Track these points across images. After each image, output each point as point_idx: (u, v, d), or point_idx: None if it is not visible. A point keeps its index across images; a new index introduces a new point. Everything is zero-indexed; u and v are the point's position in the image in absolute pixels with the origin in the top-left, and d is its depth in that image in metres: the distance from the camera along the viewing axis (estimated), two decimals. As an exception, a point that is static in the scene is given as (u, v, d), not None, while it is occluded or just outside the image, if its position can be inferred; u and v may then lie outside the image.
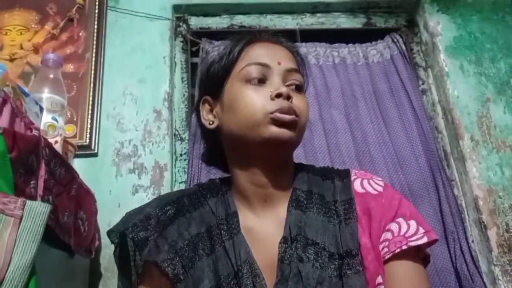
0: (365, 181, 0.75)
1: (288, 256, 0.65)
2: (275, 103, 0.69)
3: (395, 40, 1.78)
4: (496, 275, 1.38)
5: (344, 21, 1.88)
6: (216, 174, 1.42)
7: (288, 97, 0.70)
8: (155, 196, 1.39)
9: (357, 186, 0.74)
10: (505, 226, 1.44)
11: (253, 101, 0.70)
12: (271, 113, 0.68)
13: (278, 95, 0.70)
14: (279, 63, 0.74)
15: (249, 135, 0.70)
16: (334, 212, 0.70)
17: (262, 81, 0.72)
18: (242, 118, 0.70)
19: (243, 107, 0.70)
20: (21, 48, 1.63)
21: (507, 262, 1.39)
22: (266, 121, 0.68)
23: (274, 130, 0.68)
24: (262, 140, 0.69)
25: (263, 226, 0.71)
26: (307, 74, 0.82)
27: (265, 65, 0.73)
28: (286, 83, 0.73)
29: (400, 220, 0.69)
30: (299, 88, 0.75)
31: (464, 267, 1.34)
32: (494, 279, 1.38)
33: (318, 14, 1.88)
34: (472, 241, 1.46)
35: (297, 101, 0.72)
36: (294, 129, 0.70)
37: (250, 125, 0.69)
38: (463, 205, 1.54)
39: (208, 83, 0.80)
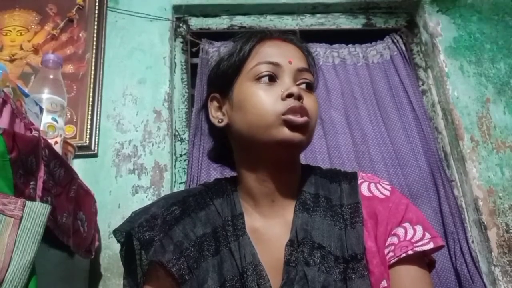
0: (372, 185, 0.75)
1: (294, 259, 0.65)
2: (285, 103, 0.68)
3: (395, 40, 1.78)
4: (496, 276, 1.38)
5: (344, 22, 1.88)
6: (216, 174, 1.43)
7: (299, 97, 0.69)
8: (155, 197, 1.40)
9: (364, 189, 0.74)
10: (505, 227, 1.44)
11: (263, 102, 0.69)
12: (283, 114, 0.67)
13: (289, 95, 0.69)
14: (290, 62, 0.72)
15: (260, 136, 0.69)
16: (340, 215, 0.70)
17: (272, 80, 0.71)
18: (252, 119, 0.69)
19: (253, 108, 0.69)
20: (21, 48, 1.63)
21: (507, 262, 1.39)
22: (278, 123, 0.67)
23: (287, 133, 0.67)
24: (274, 142, 0.68)
25: (269, 227, 0.71)
26: (317, 73, 0.81)
27: (276, 64, 0.72)
28: (297, 82, 0.73)
29: (406, 225, 0.69)
30: (310, 87, 0.74)
31: (464, 267, 1.34)
32: (494, 279, 1.37)
33: (318, 15, 1.88)
34: (472, 242, 1.46)
35: (308, 101, 0.71)
36: (306, 132, 0.69)
37: (261, 127, 0.69)
38: (463, 205, 1.54)
39: (217, 80, 0.79)
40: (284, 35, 0.78)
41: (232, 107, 0.74)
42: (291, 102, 0.68)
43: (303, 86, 0.73)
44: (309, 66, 0.77)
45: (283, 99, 0.69)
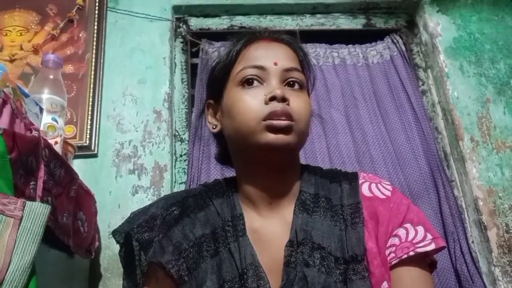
0: (373, 185, 0.74)
1: (294, 260, 0.65)
2: (269, 107, 0.67)
3: (395, 41, 1.78)
4: (496, 276, 1.38)
5: (344, 22, 1.88)
6: (216, 174, 1.43)
7: (284, 99, 0.68)
8: (155, 197, 1.40)
9: (364, 190, 0.73)
10: (505, 227, 1.44)
11: (246, 107, 0.68)
12: (265, 119, 0.67)
13: (272, 98, 0.68)
14: (275, 64, 0.71)
15: (246, 142, 0.69)
16: (340, 216, 0.70)
17: (259, 83, 0.71)
18: (238, 125, 0.69)
19: (238, 114, 0.69)
20: (21, 49, 1.63)
21: (507, 262, 1.39)
22: (260, 128, 0.67)
23: (270, 137, 0.66)
24: (259, 147, 0.68)
25: (269, 228, 0.71)
26: (311, 70, 0.79)
27: (260, 67, 0.71)
28: (285, 83, 0.72)
29: (407, 225, 0.68)
30: (299, 87, 0.73)
31: (464, 267, 1.34)
32: (494, 279, 1.37)
33: (318, 15, 1.88)
34: (472, 242, 1.46)
35: (295, 102, 0.69)
36: (290, 133, 0.67)
37: (245, 133, 0.68)
38: (463, 206, 1.54)
39: (211, 86, 0.79)
40: (274, 35, 0.77)
41: (223, 113, 0.74)
42: (274, 105, 0.67)
43: (292, 86, 0.72)
44: (301, 64, 0.76)
45: (266, 103, 0.68)
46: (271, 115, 0.67)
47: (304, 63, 0.78)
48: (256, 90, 0.70)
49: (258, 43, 0.75)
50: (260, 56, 0.72)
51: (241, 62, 0.73)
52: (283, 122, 0.67)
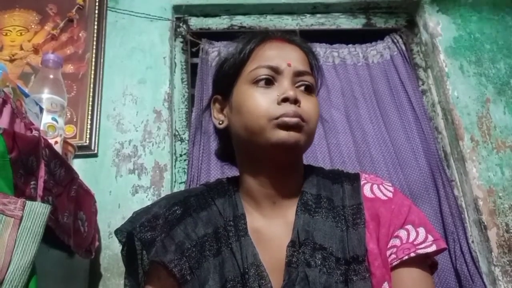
0: (374, 186, 0.74)
1: (296, 260, 0.65)
2: (281, 108, 0.68)
3: (395, 40, 1.78)
4: (496, 276, 1.38)
5: (344, 22, 1.88)
6: (216, 174, 1.43)
7: (296, 101, 0.69)
8: (155, 197, 1.40)
9: (366, 191, 0.73)
10: (505, 227, 1.44)
11: (258, 105, 0.69)
12: (276, 118, 0.67)
13: (285, 100, 0.68)
14: (289, 65, 0.72)
15: (256, 140, 0.69)
16: (342, 217, 0.70)
17: (270, 83, 0.71)
18: (247, 122, 0.70)
19: (248, 111, 0.69)
20: (21, 48, 1.63)
21: (507, 262, 1.39)
22: (271, 126, 0.67)
23: (281, 134, 0.67)
24: (269, 145, 0.68)
25: (271, 228, 0.71)
26: (321, 74, 0.81)
27: (274, 67, 0.71)
28: (296, 85, 0.72)
29: (409, 227, 0.68)
30: (310, 90, 0.74)
31: (464, 267, 1.34)
32: (494, 279, 1.38)
33: (318, 15, 1.88)
34: (472, 242, 1.46)
35: (306, 104, 0.70)
36: (300, 131, 0.68)
37: (255, 130, 0.69)
38: (463, 205, 1.54)
39: (219, 82, 0.80)
40: (287, 35, 0.78)
41: (231, 110, 0.74)
42: (286, 107, 0.68)
43: (302, 88, 0.73)
44: (311, 67, 0.77)
45: (278, 103, 0.68)
46: (283, 116, 0.67)
47: (314, 66, 0.79)
48: (268, 90, 0.71)
49: (271, 43, 0.76)
50: (274, 56, 0.73)
51: (254, 60, 0.73)
52: (294, 119, 0.67)
